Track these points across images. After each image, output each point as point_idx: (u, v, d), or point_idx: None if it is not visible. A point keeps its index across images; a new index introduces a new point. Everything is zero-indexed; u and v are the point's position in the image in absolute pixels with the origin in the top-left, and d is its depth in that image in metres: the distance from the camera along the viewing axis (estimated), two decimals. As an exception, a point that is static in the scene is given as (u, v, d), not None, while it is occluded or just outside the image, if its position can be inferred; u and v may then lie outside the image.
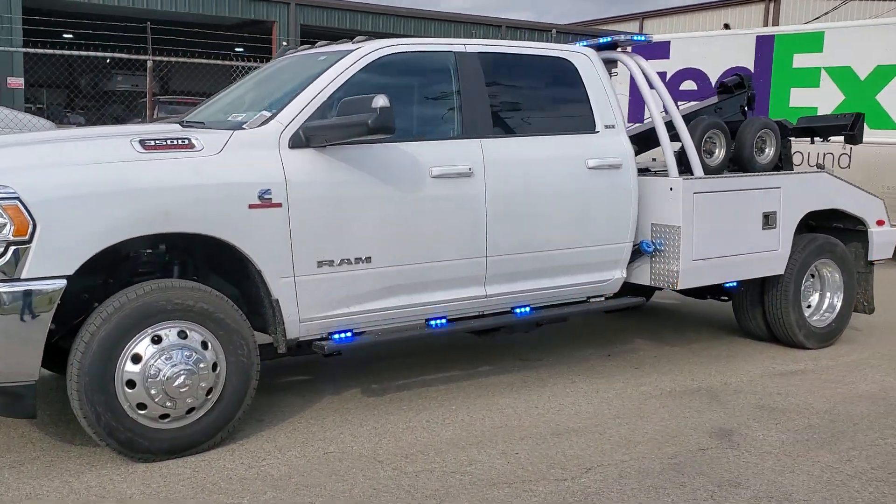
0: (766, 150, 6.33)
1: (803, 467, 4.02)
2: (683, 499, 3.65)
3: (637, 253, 5.54)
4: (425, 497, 3.60)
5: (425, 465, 3.96)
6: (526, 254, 5.02)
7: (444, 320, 4.86)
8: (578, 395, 5.10)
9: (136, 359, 3.84)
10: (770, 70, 10.75)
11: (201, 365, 3.95)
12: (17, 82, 18.73)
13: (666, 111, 5.76)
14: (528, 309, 5.17)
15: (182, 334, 3.95)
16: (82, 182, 3.73)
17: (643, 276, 5.61)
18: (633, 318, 7.34)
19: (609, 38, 5.84)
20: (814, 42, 10.59)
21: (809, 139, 7.53)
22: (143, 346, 3.86)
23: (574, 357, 5.96)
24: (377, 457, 4.04)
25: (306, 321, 4.36)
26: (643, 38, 5.75)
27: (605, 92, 5.41)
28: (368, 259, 4.46)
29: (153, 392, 3.84)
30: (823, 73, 10.46)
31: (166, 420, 3.94)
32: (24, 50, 16.04)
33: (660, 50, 11.64)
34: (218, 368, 4.05)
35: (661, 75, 11.50)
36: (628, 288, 5.67)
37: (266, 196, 4.12)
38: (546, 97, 5.41)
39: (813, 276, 6.42)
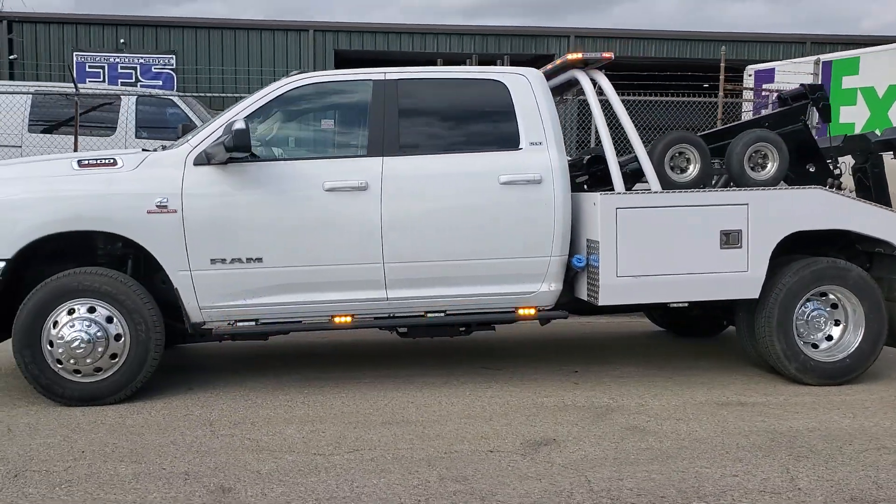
0: (769, 165, 5.89)
1: (558, 478, 3.99)
2: (394, 483, 3.91)
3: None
4: (195, 452, 4.32)
5: (233, 430, 4.67)
6: (427, 262, 5.39)
7: (349, 318, 5.45)
8: (469, 398, 5.34)
9: (56, 325, 5.08)
10: (829, 91, 11.68)
11: (98, 334, 5.07)
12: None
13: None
14: (442, 314, 5.53)
15: (91, 310, 5.11)
16: (18, 192, 5.09)
17: (582, 291, 5.63)
18: (669, 340, 7.11)
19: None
20: (853, 66, 12.15)
21: (892, 153, 6.72)
22: (62, 315, 5.08)
23: (535, 369, 6.10)
24: (211, 422, 4.83)
25: (206, 309, 5.28)
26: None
27: (537, 111, 5.57)
28: (259, 259, 5.24)
29: (60, 351, 5.04)
30: (858, 93, 11.94)
31: (79, 375, 5.12)
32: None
33: (769, 75, 13.85)
34: (122, 339, 5.14)
35: (767, 97, 12.67)
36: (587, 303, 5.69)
37: (162, 204, 5.13)
38: (467, 117, 5.69)
39: (836, 305, 5.78)
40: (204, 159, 5.22)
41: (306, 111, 5.63)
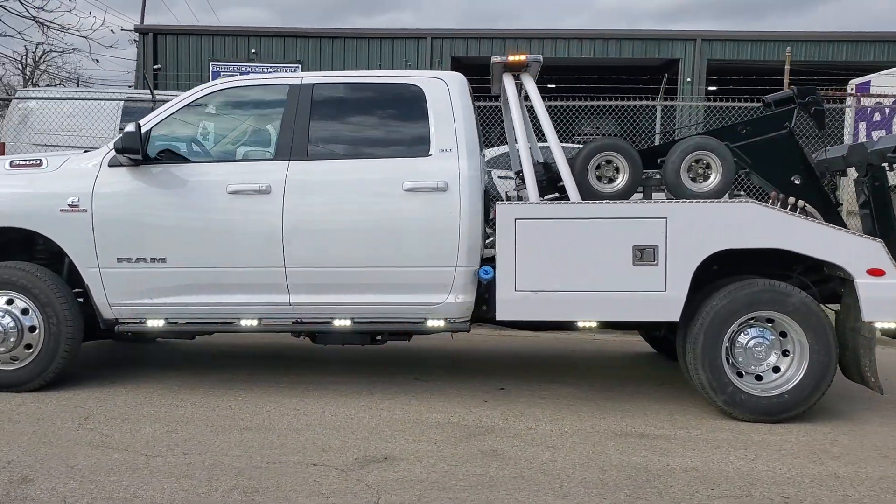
0: (711, 175, 5.39)
1: (348, 496, 3.82)
2: (181, 489, 3.88)
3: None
4: (41, 444, 4.47)
5: (98, 426, 4.80)
6: (329, 268, 5.31)
7: (255, 321, 5.48)
8: (359, 409, 5.22)
9: (-26, 314, 5.44)
10: None
11: (11, 325, 5.37)
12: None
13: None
14: (349, 321, 5.44)
15: (10, 301, 5.42)
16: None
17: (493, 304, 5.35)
18: (654, 362, 6.64)
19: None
20: None
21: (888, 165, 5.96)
22: (-20, 306, 5.45)
23: (464, 382, 5.90)
24: (87, 416, 4.98)
25: (115, 306, 5.46)
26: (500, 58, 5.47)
27: (451, 117, 5.36)
28: (163, 259, 5.37)
29: (-25, 339, 5.39)
30: None
31: (-1, 363, 5.45)
32: (704, 104, 18.63)
33: (866, 87, 14.03)
34: (36, 331, 5.42)
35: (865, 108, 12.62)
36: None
37: (74, 203, 5.37)
38: (382, 122, 5.56)
39: (785, 334, 5.19)
40: (117, 161, 5.41)
41: (223, 115, 5.71)
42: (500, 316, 5.14)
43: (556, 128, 5.65)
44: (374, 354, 6.63)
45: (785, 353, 5.18)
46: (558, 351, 7.18)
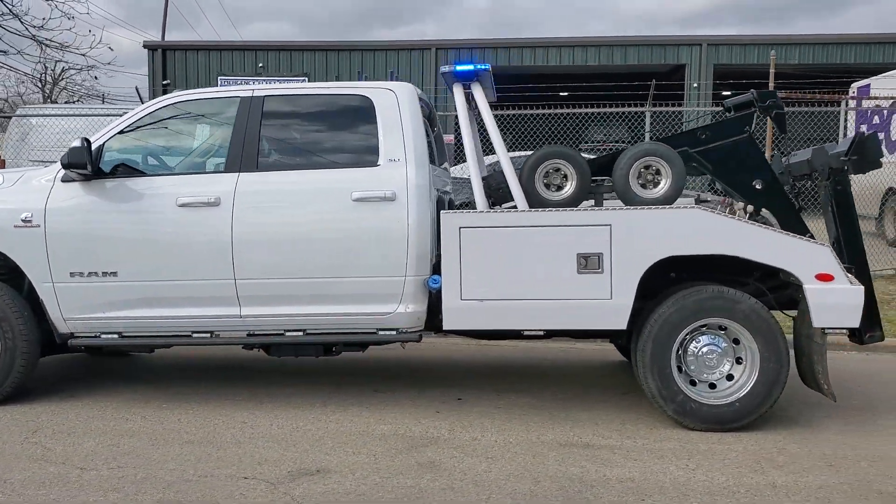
0: (661, 181, 5.32)
1: (274, 502, 3.83)
2: (105, 502, 3.90)
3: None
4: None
5: (44, 440, 4.83)
6: (279, 279, 5.32)
7: (209, 334, 5.49)
8: (307, 421, 5.21)
9: (-64, 330, 5.50)
10: None
11: (-34, 340, 5.43)
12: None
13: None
14: (301, 333, 5.43)
15: (-35, 317, 5.49)
16: None
17: (445, 315, 5.32)
18: (601, 368, 6.57)
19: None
20: None
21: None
22: (-59, 322, 5.50)
23: (422, 393, 5.86)
24: (37, 430, 5.02)
25: (70, 320, 5.50)
26: (454, 68, 5.47)
27: (399, 126, 5.36)
28: (115, 273, 5.40)
29: (-66, 354, 5.45)
30: None
31: (-45, 378, 5.50)
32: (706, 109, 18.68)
33: (866, 90, 13.98)
34: (-9, 346, 5.48)
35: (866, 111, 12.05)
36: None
37: (27, 219, 5.42)
38: (329, 133, 5.56)
39: (738, 341, 5.11)
40: (70, 176, 5.45)
41: (176, 128, 5.75)
42: (446, 325, 5.12)
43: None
44: (339, 365, 6.61)
45: (738, 361, 5.10)
46: (530, 360, 7.11)
